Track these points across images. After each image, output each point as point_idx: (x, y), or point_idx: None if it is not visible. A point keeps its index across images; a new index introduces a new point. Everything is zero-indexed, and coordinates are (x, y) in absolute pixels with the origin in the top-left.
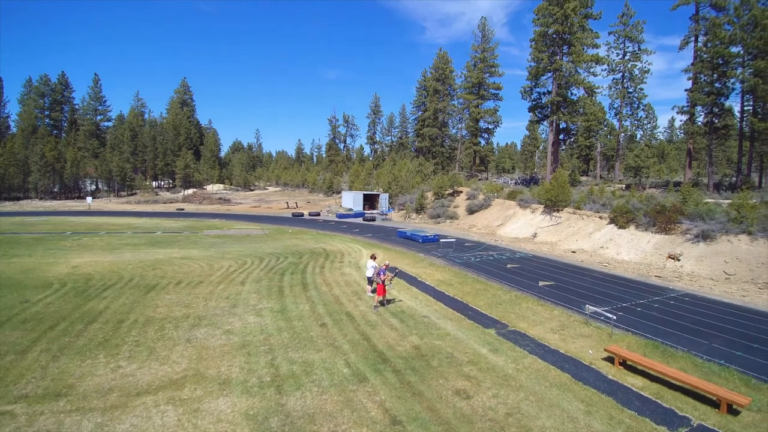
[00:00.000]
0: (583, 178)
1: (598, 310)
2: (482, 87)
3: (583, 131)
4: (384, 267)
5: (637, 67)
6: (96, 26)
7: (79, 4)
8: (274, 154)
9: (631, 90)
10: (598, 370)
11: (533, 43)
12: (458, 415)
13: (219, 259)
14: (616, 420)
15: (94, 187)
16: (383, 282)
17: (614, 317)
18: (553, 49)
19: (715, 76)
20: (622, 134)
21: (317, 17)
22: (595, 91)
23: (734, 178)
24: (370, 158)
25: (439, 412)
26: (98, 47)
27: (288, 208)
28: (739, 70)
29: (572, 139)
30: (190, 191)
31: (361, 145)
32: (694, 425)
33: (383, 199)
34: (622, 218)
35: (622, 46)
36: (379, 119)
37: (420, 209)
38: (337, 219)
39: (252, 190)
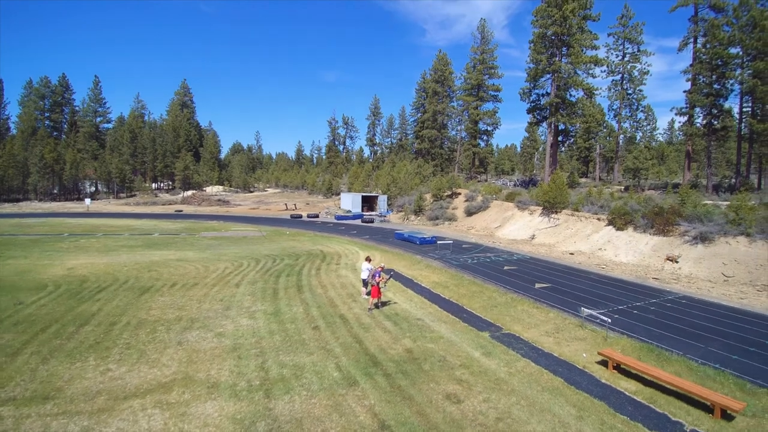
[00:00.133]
0: (583, 180)
1: (594, 312)
2: (481, 89)
3: (582, 133)
4: (379, 269)
5: (637, 69)
6: (97, 28)
7: (79, 5)
8: (274, 156)
9: (630, 91)
10: (591, 374)
11: (532, 44)
12: (448, 420)
13: (215, 261)
14: (607, 425)
15: (93, 188)
16: (378, 284)
17: (609, 320)
18: (551, 51)
19: (714, 77)
20: (622, 136)
21: (318, 19)
22: (594, 93)
23: (733, 180)
24: (370, 160)
25: (429, 416)
26: (99, 49)
27: (287, 209)
28: (738, 72)
29: (571, 141)
30: (189, 193)
31: (360, 147)
32: (687, 431)
33: (382, 201)
34: (620, 220)
35: (621, 47)
36: (378, 121)
37: (418, 211)
38: (336, 221)
39: (251, 192)
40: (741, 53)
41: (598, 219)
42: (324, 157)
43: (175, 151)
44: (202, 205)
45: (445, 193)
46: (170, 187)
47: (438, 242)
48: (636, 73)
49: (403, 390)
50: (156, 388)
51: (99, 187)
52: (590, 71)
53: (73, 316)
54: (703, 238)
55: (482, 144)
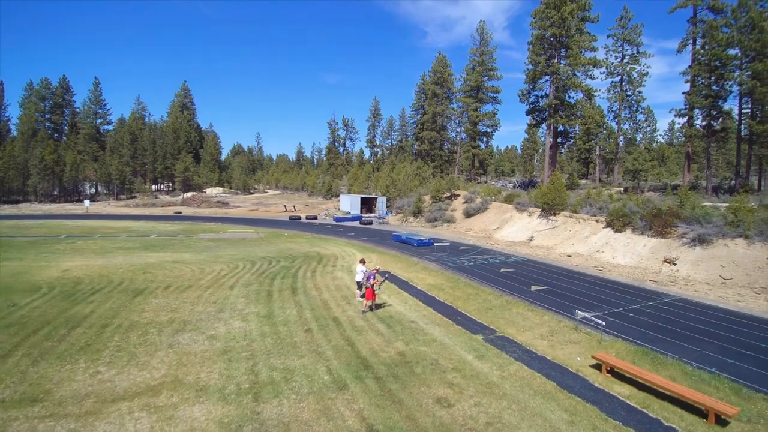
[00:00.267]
0: (583, 182)
1: (588, 315)
2: (481, 90)
3: (582, 134)
4: (374, 271)
5: (636, 70)
6: (97, 30)
7: (80, 7)
8: (274, 158)
9: (629, 93)
10: (584, 378)
11: (531, 46)
12: (437, 424)
13: (211, 263)
14: (599, 430)
15: (93, 190)
16: (373, 286)
17: (603, 323)
18: (550, 52)
19: (712, 78)
20: (621, 137)
21: (318, 21)
22: (593, 94)
23: (733, 182)
24: (370, 161)
25: (418, 421)
26: (100, 50)
27: (285, 211)
28: (737, 73)
29: (571, 143)
30: (189, 195)
31: (361, 149)
32: None
33: (381, 203)
34: (618, 222)
35: (620, 49)
36: (379, 123)
37: (417, 212)
38: (334, 222)
39: (251, 194)
40: (740, 54)
41: (597, 221)
42: (324, 158)
43: (175, 153)
44: (201, 206)
45: (444, 195)
46: (170, 189)
47: (435, 244)
48: (635, 75)
49: (394, 394)
50: (144, 391)
51: (99, 189)
52: (589, 73)
53: (66, 318)
54: (701, 240)
55: (482, 145)
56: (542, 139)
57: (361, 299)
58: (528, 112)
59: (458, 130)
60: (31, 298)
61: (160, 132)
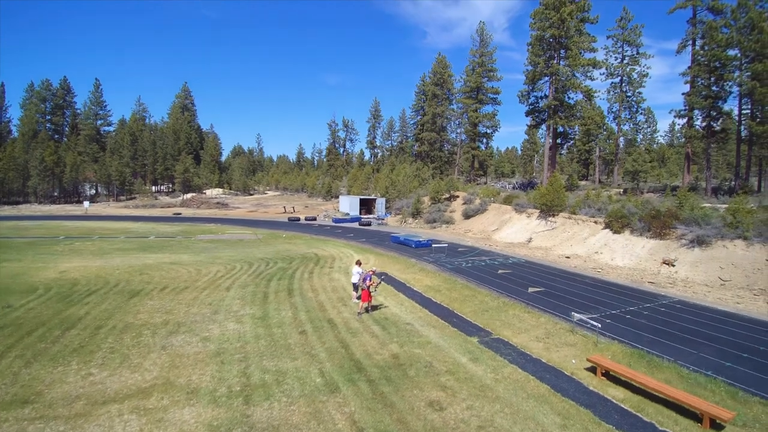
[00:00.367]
0: (583, 183)
1: (585, 317)
2: (480, 91)
3: (582, 135)
4: (370, 273)
5: (636, 71)
6: (98, 31)
7: (81, 8)
8: (275, 159)
9: (629, 94)
10: (579, 381)
11: (530, 47)
12: (428, 428)
13: (208, 264)
14: None
15: (93, 191)
16: (369, 288)
17: (599, 325)
18: (549, 53)
19: (712, 79)
20: (621, 138)
21: (319, 22)
22: (593, 95)
23: (733, 183)
24: (371, 163)
25: (409, 424)
26: (101, 52)
27: (285, 212)
28: (737, 74)
29: (570, 144)
30: (189, 196)
31: (361, 150)
32: None
33: (380, 204)
34: (617, 223)
35: (620, 50)
36: (379, 124)
37: (416, 214)
38: (333, 223)
39: (251, 195)
40: (739, 55)
41: (595, 222)
42: (324, 159)
43: (176, 154)
44: (201, 207)
45: (443, 196)
46: (170, 190)
47: (433, 245)
48: (635, 76)
49: (386, 397)
50: (135, 393)
51: (99, 190)
52: (588, 74)
53: (60, 320)
54: (700, 242)
55: (482, 147)
56: (542, 140)
57: (357, 301)
58: (527, 113)
59: (458, 131)
60: (27, 300)
61: (160, 133)
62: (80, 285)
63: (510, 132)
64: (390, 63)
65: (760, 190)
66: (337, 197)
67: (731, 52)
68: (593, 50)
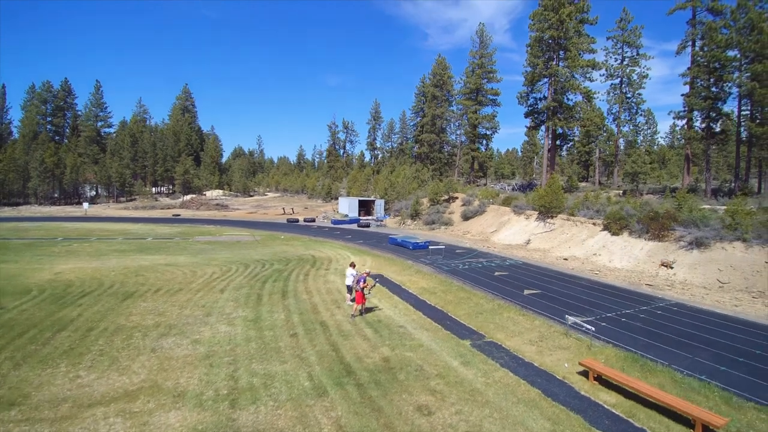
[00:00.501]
0: (583, 184)
1: (579, 320)
2: (480, 93)
3: (582, 137)
4: (364, 275)
5: (636, 72)
6: (100, 33)
7: (82, 10)
8: (276, 160)
9: (629, 95)
10: (570, 385)
11: (529, 48)
12: None
13: (204, 266)
14: None
15: (93, 192)
16: (362, 290)
17: (593, 328)
18: (548, 55)
19: (711, 80)
20: (621, 139)
21: (320, 23)
22: (592, 97)
23: (733, 184)
24: (371, 164)
25: (396, 429)
26: (102, 53)
27: (284, 214)
28: (736, 74)
29: (570, 145)
30: (188, 197)
31: (361, 151)
32: None
33: (379, 206)
34: (615, 225)
35: (620, 51)
36: (379, 125)
37: (415, 215)
38: (332, 225)
39: (251, 196)
40: (739, 56)
41: (594, 224)
42: (325, 161)
43: (176, 156)
44: (200, 209)
45: (442, 198)
46: (170, 192)
47: (430, 247)
48: (635, 77)
49: (374, 401)
50: (122, 396)
51: (99, 191)
52: (588, 75)
53: (52, 322)
54: (698, 244)
55: (482, 148)
56: (542, 141)
57: (351, 303)
58: (527, 115)
59: (458, 132)
60: (20, 301)
61: (160, 135)
62: (74, 287)
63: (511, 133)
64: (391, 64)
65: (760, 192)
66: (337, 199)
67: (731, 53)
68: (592, 51)
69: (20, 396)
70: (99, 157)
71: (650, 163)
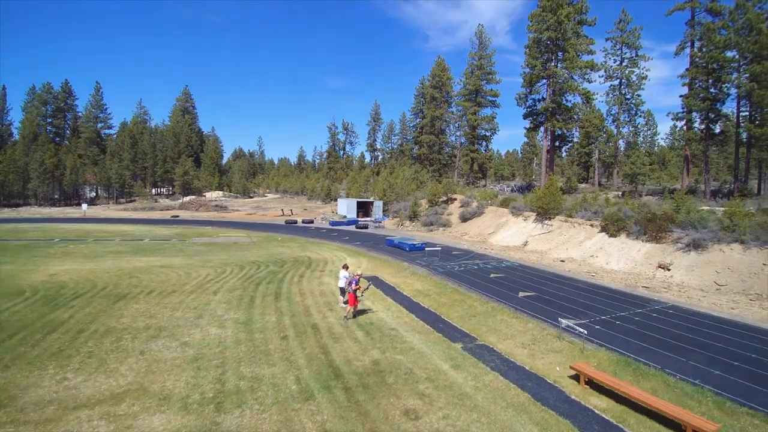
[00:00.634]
0: (582, 185)
1: (572, 323)
2: (479, 94)
3: (582, 138)
4: (357, 277)
5: (635, 74)
6: (100, 33)
7: (82, 11)
8: (276, 162)
9: (628, 96)
10: (561, 390)
11: (527, 49)
12: None
13: (198, 268)
14: None
15: (93, 194)
16: (355, 292)
17: (585, 331)
18: (547, 56)
19: (710, 81)
20: (621, 141)
21: (321, 25)
22: (591, 98)
23: (732, 185)
24: (371, 165)
25: None
26: (103, 54)
27: (283, 215)
28: (735, 75)
29: (569, 146)
30: (188, 198)
31: (361, 153)
32: None
33: (377, 207)
34: (613, 226)
35: (619, 52)
36: (379, 127)
37: (413, 217)
38: (330, 226)
39: (251, 198)
40: (738, 57)
41: (592, 225)
42: (325, 162)
43: (176, 157)
44: (199, 210)
45: (441, 199)
46: (170, 193)
47: (426, 249)
48: (634, 78)
49: (361, 405)
50: (107, 398)
51: (99, 193)
52: (586, 76)
53: (43, 323)
54: (696, 245)
55: (481, 149)
56: (541, 143)
57: (344, 305)
58: (525, 116)
59: (457, 134)
60: (12, 303)
61: (160, 136)
62: (67, 288)
63: (511, 134)
64: (391, 66)
65: (760, 193)
66: (337, 200)
67: (729, 54)
68: (591, 53)
69: (6, 398)
70: (99, 158)
71: (650, 165)
